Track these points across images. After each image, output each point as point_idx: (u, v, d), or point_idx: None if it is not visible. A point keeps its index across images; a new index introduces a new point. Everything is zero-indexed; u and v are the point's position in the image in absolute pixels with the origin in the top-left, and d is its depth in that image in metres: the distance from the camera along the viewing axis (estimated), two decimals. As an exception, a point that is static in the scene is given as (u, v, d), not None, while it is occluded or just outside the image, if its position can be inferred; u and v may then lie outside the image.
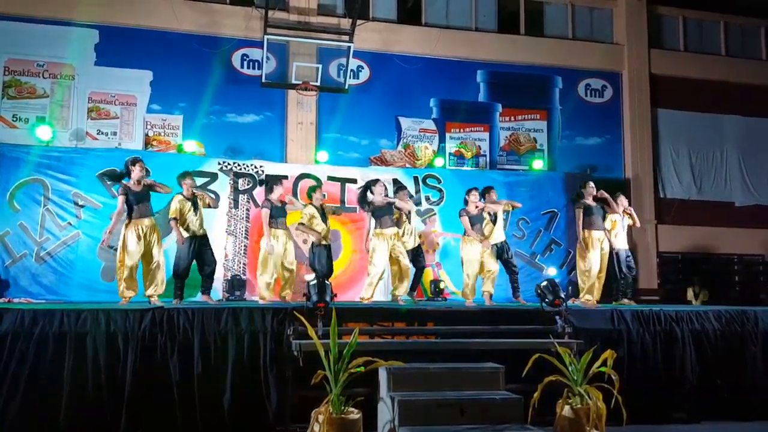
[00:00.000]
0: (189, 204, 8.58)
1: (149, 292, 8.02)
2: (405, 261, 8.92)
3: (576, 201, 9.51)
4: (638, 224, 10.13)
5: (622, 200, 9.90)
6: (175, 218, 8.51)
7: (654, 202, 13.79)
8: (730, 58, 14.86)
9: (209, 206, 9.00)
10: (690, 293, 12.89)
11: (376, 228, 8.88)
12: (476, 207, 9.11)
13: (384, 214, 8.86)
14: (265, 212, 8.84)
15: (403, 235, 9.26)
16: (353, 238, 11.01)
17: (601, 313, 7.74)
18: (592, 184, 9.50)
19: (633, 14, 14.26)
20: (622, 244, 9.74)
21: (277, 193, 8.95)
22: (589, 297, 9.09)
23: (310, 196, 9.41)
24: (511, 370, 6.14)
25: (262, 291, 8.72)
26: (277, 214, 8.88)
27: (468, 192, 9.22)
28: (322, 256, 9.05)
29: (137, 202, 8.06)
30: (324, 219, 9.17)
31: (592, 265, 9.08)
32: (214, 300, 8.89)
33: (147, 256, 8.05)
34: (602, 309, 7.99)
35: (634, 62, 14.15)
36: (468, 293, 9.02)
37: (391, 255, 8.80)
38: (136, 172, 8.10)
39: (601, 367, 6.00)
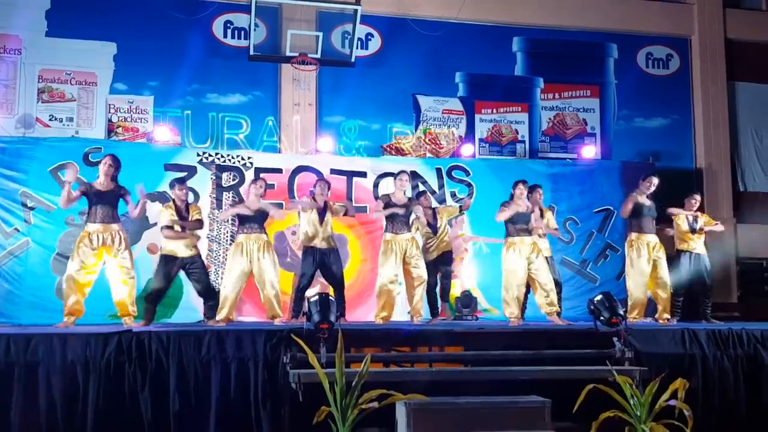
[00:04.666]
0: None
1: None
2: (419, 271, 9.25)
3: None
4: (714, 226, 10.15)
5: (693, 201, 10.07)
6: (169, 227, 8.61)
7: (732, 196, 13.70)
8: (825, 18, 14.74)
9: (194, 227, 8.92)
10: None
11: (387, 231, 9.31)
12: (525, 204, 9.29)
13: (398, 215, 9.28)
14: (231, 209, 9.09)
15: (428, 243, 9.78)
16: (363, 243, 10.97)
17: (669, 333, 7.70)
18: (654, 180, 9.66)
19: (704, -35, 14.20)
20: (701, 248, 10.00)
21: (254, 193, 8.98)
22: (636, 316, 9.36)
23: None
24: (558, 404, 6.12)
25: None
26: (246, 219, 8.88)
27: (514, 185, 9.35)
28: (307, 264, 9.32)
29: (99, 203, 8.31)
30: (321, 219, 9.31)
31: (640, 275, 9.42)
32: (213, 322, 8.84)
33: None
34: (670, 329, 7.95)
35: (706, 25, 14.06)
36: (513, 311, 9.11)
37: (404, 265, 9.28)
38: (102, 166, 8.40)
39: (671, 400, 5.97)
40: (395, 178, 9.72)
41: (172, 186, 9.10)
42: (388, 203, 9.43)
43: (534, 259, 9.10)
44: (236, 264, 8.73)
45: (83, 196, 8.36)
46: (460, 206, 10.36)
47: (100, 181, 8.44)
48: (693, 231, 9.87)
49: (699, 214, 10.08)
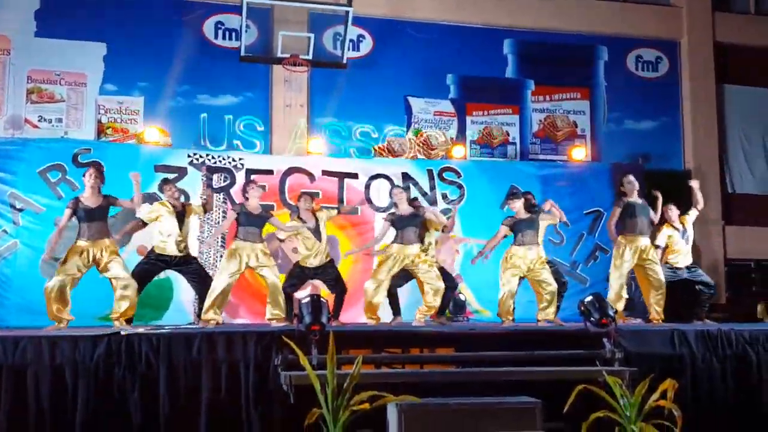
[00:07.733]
0: (171, 218, 8.63)
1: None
2: (436, 282, 9.08)
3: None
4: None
5: (673, 211, 10.11)
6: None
7: (721, 198, 13.73)
8: (813, 22, 14.80)
9: (204, 210, 9.19)
10: (760, 309, 12.82)
11: (395, 241, 9.15)
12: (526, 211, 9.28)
13: (407, 225, 9.13)
14: (231, 215, 8.93)
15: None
16: (354, 245, 10.95)
17: (658, 334, 7.72)
18: (630, 178, 9.69)
19: (693, -31, 14.23)
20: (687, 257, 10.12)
21: (255, 196, 8.93)
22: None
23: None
24: (549, 405, 6.09)
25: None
26: (247, 222, 8.76)
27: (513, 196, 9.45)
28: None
29: (89, 220, 8.20)
30: (317, 232, 9.24)
31: (620, 278, 9.39)
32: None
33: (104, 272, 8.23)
34: (660, 329, 7.98)
35: (695, 28, 14.09)
36: (507, 319, 9.11)
37: (417, 277, 9.17)
38: (88, 179, 8.32)
39: (660, 400, 5.98)
40: (390, 194, 9.70)
41: (160, 189, 9.02)
42: (393, 221, 9.21)
43: (536, 268, 9.07)
44: (229, 268, 8.59)
45: (73, 214, 8.23)
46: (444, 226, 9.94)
47: (86, 196, 8.30)
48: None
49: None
